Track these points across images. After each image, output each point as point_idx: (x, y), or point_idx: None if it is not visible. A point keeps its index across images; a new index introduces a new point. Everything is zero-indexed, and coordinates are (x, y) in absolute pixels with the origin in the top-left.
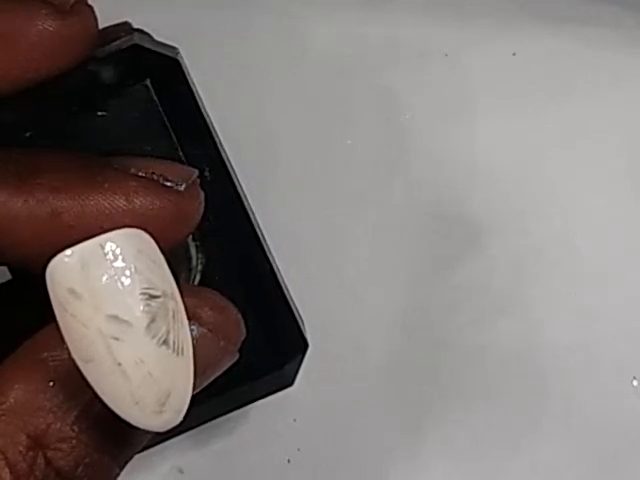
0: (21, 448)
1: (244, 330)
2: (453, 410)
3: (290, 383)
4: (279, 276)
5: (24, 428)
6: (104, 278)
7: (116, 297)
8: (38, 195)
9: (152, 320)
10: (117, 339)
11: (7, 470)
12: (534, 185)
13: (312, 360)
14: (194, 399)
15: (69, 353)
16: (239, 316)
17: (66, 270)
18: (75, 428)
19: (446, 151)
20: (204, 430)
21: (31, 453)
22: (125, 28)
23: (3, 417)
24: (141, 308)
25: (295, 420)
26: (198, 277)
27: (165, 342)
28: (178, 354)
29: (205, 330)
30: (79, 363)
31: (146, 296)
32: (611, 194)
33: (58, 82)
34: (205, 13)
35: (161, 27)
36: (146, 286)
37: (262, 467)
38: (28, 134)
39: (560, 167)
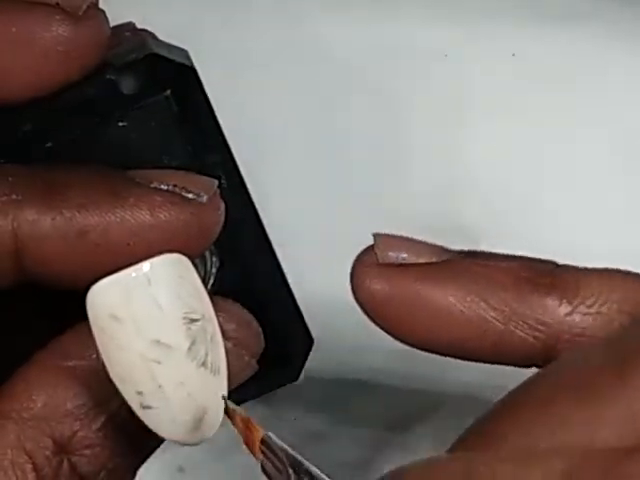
0: (47, 453)
1: (263, 342)
2: (453, 410)
3: (295, 378)
4: (285, 275)
5: (51, 434)
6: (147, 304)
7: (158, 323)
8: (66, 213)
9: (192, 343)
10: (159, 363)
11: (34, 474)
12: (534, 185)
13: (312, 359)
14: None
15: (107, 375)
16: (260, 329)
17: (108, 297)
18: (100, 435)
19: (446, 151)
20: None
21: (57, 458)
22: (129, 28)
23: (31, 422)
24: (183, 332)
25: (295, 419)
26: (212, 280)
27: (204, 364)
28: (215, 374)
29: (231, 345)
30: (117, 384)
31: (187, 320)
32: (611, 194)
33: (77, 91)
34: (205, 13)
35: (161, 27)
36: (187, 310)
37: None
38: (49, 144)
39: (560, 166)
